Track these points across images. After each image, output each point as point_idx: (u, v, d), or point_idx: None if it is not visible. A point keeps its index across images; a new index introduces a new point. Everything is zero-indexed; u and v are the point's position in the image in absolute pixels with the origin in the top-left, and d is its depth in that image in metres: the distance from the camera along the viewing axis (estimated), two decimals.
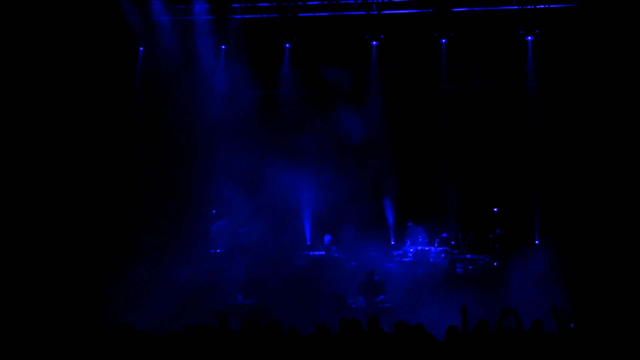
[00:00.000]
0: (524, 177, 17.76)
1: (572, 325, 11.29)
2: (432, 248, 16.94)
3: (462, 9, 17.83)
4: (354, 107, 18.51)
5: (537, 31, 17.65)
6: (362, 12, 18.23)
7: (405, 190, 18.24)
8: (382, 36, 18.34)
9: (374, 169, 18.14)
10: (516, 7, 17.63)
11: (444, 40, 18.20)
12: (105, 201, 17.87)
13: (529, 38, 17.75)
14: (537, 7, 17.50)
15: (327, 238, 17.24)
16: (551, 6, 17.46)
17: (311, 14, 18.35)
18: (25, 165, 17.29)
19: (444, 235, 17.13)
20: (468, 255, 16.91)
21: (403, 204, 18.18)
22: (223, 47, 18.90)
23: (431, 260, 16.72)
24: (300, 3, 18.28)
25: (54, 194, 17.44)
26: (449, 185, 17.87)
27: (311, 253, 17.04)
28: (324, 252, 16.95)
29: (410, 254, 16.86)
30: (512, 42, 17.84)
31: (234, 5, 18.33)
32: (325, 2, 18.07)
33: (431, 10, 17.90)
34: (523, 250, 16.99)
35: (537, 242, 17.38)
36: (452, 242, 17.13)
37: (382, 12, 18.16)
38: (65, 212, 17.38)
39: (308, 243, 18.16)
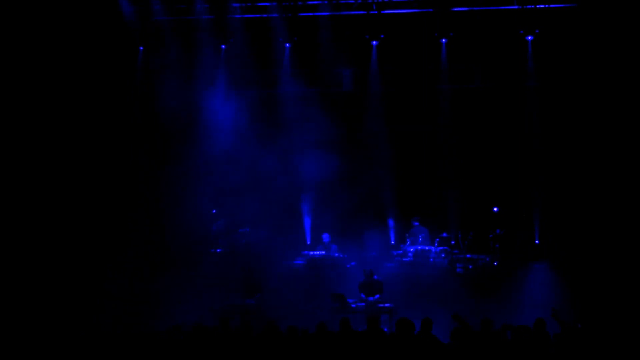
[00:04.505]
0: (524, 177, 17.74)
1: (579, 325, 11.29)
2: (432, 248, 16.93)
3: (462, 9, 17.82)
4: (354, 107, 18.53)
5: (537, 31, 17.64)
6: (362, 12, 18.23)
7: (406, 190, 18.22)
8: (382, 36, 18.34)
9: (374, 168, 18.14)
10: (516, 7, 17.62)
11: (444, 40, 18.20)
12: (105, 201, 17.86)
13: (529, 38, 17.73)
14: (537, 7, 17.49)
15: (326, 237, 17.22)
16: (551, 6, 17.45)
17: (311, 14, 18.34)
18: (25, 164, 17.29)
19: (444, 235, 17.11)
20: (468, 255, 16.88)
21: (403, 204, 18.16)
22: (223, 47, 18.91)
23: (431, 260, 16.71)
24: (300, 3, 18.28)
25: (53, 194, 17.44)
26: (449, 185, 17.86)
27: (311, 253, 17.04)
28: (324, 252, 16.94)
29: (410, 254, 16.85)
30: (512, 42, 17.82)
31: (234, 5, 18.32)
32: (325, 2, 18.06)
33: (431, 10, 17.89)
34: (523, 250, 17.01)
35: (537, 242, 17.36)
36: (452, 242, 17.11)
37: (382, 12, 18.16)
38: (65, 211, 17.38)
39: (308, 243, 18.17)
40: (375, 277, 15.44)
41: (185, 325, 11.66)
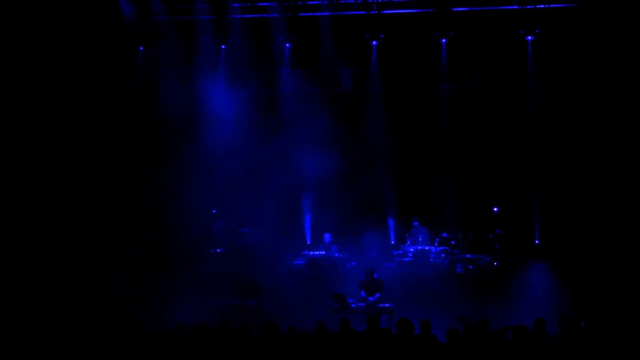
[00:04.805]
0: (524, 177, 17.75)
1: (582, 324, 11.33)
2: (432, 248, 16.93)
3: (462, 9, 17.82)
4: (354, 107, 18.52)
5: (537, 31, 17.64)
6: (362, 12, 18.23)
7: (406, 190, 18.23)
8: (382, 36, 18.34)
9: (374, 168, 18.14)
10: (516, 7, 17.62)
11: (444, 40, 18.20)
12: (105, 201, 17.85)
13: (529, 38, 17.73)
14: (537, 7, 17.49)
15: (327, 237, 17.24)
16: (551, 6, 17.45)
17: (311, 14, 18.33)
18: (25, 165, 17.28)
19: (444, 235, 17.11)
20: (468, 255, 16.88)
21: (403, 203, 18.17)
22: (223, 47, 18.91)
23: (431, 260, 16.71)
24: (300, 3, 18.28)
25: (53, 193, 17.42)
26: (449, 185, 17.86)
27: (311, 253, 17.04)
28: (324, 252, 16.94)
29: (410, 254, 16.85)
30: (512, 42, 17.83)
31: (234, 5, 18.32)
32: (325, 2, 18.06)
33: (431, 10, 17.89)
34: (523, 250, 17.01)
35: (537, 242, 17.37)
36: (452, 242, 17.11)
37: (382, 12, 18.16)
38: (64, 211, 17.36)
39: (308, 243, 18.17)
40: (375, 275, 15.46)
41: (187, 325, 11.67)
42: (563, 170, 17.44)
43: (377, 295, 15.20)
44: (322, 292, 15.42)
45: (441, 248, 16.95)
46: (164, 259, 17.13)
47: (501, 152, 18.07)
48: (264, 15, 18.45)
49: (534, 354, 10.25)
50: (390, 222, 18.23)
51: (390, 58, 18.54)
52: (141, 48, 19.02)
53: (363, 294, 15.29)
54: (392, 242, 18.03)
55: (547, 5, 17.46)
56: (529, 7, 17.51)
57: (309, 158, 17.53)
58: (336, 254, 16.84)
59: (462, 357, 10.18)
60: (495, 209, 17.60)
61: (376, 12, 18.15)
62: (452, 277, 16.31)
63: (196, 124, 18.22)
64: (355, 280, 15.58)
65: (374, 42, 18.47)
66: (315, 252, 17.01)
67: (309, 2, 18.29)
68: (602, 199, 16.76)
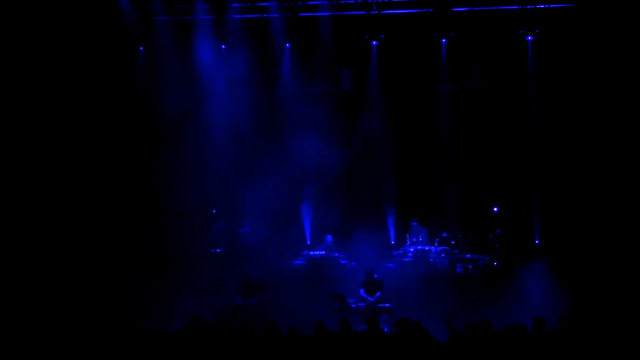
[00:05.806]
0: (524, 177, 17.75)
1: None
2: (432, 248, 16.93)
3: (462, 9, 17.82)
4: (354, 106, 18.53)
5: (537, 31, 17.65)
6: (362, 12, 18.22)
7: (406, 190, 18.24)
8: (382, 36, 18.35)
9: (374, 168, 18.15)
10: (516, 7, 17.62)
11: (444, 40, 18.21)
12: (104, 200, 17.83)
13: (529, 38, 17.75)
14: (537, 7, 17.49)
15: (329, 238, 17.25)
16: (551, 6, 17.45)
17: (311, 14, 18.33)
18: (23, 166, 17.26)
19: (444, 235, 17.11)
20: (468, 255, 16.88)
21: (403, 203, 18.18)
22: (223, 47, 18.91)
23: (431, 260, 16.71)
24: (300, 3, 18.28)
25: (53, 194, 17.40)
26: (449, 185, 17.86)
27: (311, 253, 17.04)
28: (324, 252, 16.94)
29: (410, 254, 16.85)
30: (512, 42, 17.84)
31: (234, 5, 18.31)
32: (325, 2, 18.06)
33: (431, 10, 17.89)
34: (523, 250, 17.02)
35: (537, 242, 17.37)
36: (452, 242, 17.11)
37: (382, 12, 18.15)
38: (63, 209, 17.34)
39: (308, 243, 18.17)
40: (375, 276, 15.48)
41: (186, 324, 11.67)
42: (563, 170, 17.45)
43: (377, 294, 15.22)
44: (322, 292, 15.43)
45: (441, 248, 16.95)
46: (164, 258, 17.11)
47: (501, 152, 18.08)
48: (264, 15, 18.44)
49: (534, 354, 10.26)
50: (390, 222, 18.23)
51: (390, 58, 18.54)
52: (141, 48, 19.02)
53: (363, 293, 15.31)
54: (392, 242, 18.04)
55: (547, 5, 17.45)
56: (529, 7, 17.50)
57: (308, 158, 17.54)
58: (336, 254, 16.84)
59: (461, 357, 10.18)
60: (495, 209, 17.61)
61: (376, 12, 18.14)
62: (452, 277, 16.32)
63: (196, 125, 18.20)
64: (355, 280, 15.59)
65: (374, 42, 18.47)
66: (315, 252, 17.02)
67: (309, 2, 18.28)
68: (602, 198, 16.76)
